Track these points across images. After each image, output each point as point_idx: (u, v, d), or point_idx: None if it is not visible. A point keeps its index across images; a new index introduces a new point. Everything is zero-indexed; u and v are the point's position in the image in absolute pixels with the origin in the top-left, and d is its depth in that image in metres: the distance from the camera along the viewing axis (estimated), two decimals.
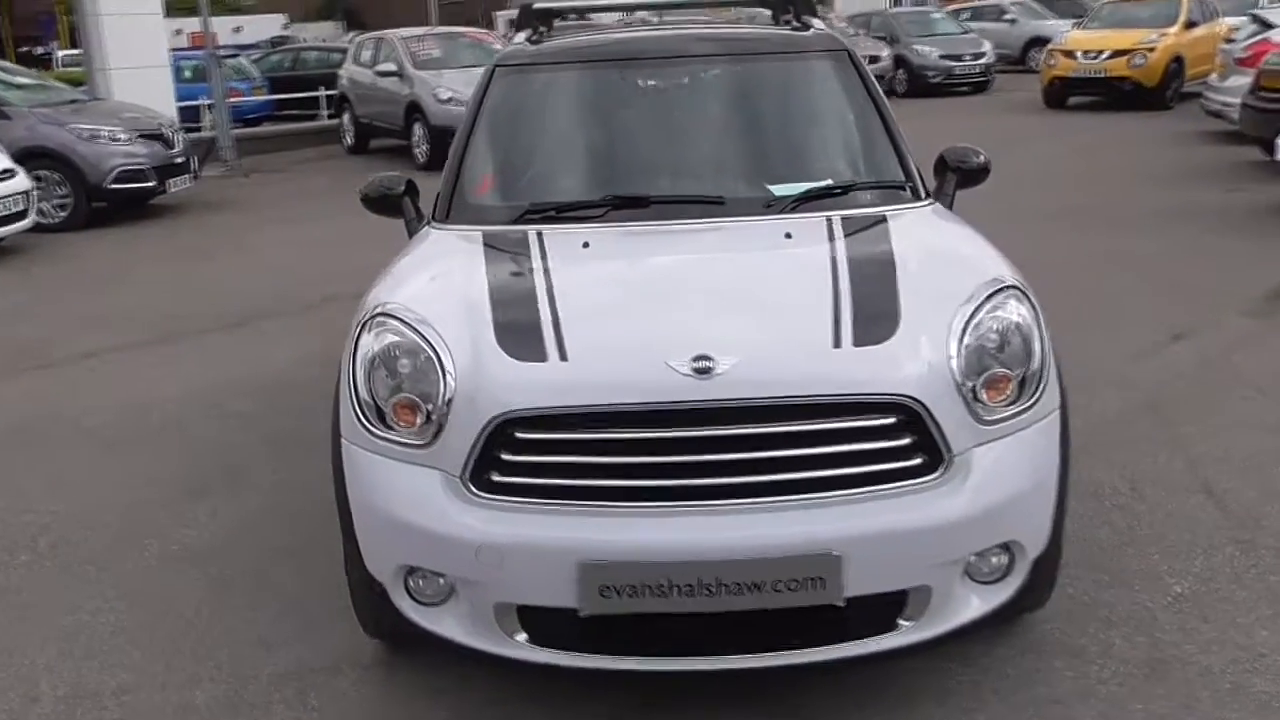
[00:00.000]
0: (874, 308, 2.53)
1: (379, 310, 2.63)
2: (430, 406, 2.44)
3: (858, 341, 2.42)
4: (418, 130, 13.04)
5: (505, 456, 2.36)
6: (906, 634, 2.42)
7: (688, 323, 2.50)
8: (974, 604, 2.47)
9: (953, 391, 2.39)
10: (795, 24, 3.84)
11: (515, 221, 3.12)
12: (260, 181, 12.93)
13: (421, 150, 12.93)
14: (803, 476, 2.31)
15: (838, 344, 2.42)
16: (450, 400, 2.40)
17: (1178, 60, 15.26)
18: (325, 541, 2.98)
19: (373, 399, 2.53)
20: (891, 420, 2.35)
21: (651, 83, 3.56)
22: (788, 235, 2.94)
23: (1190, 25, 15.68)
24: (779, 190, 3.17)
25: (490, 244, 2.99)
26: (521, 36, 3.99)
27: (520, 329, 2.50)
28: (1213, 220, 7.95)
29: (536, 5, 4.03)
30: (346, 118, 15.22)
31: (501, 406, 2.35)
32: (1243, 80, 9.86)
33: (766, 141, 3.42)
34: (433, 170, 9.19)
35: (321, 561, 3.22)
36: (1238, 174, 9.59)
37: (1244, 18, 13.27)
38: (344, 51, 17.88)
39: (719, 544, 2.27)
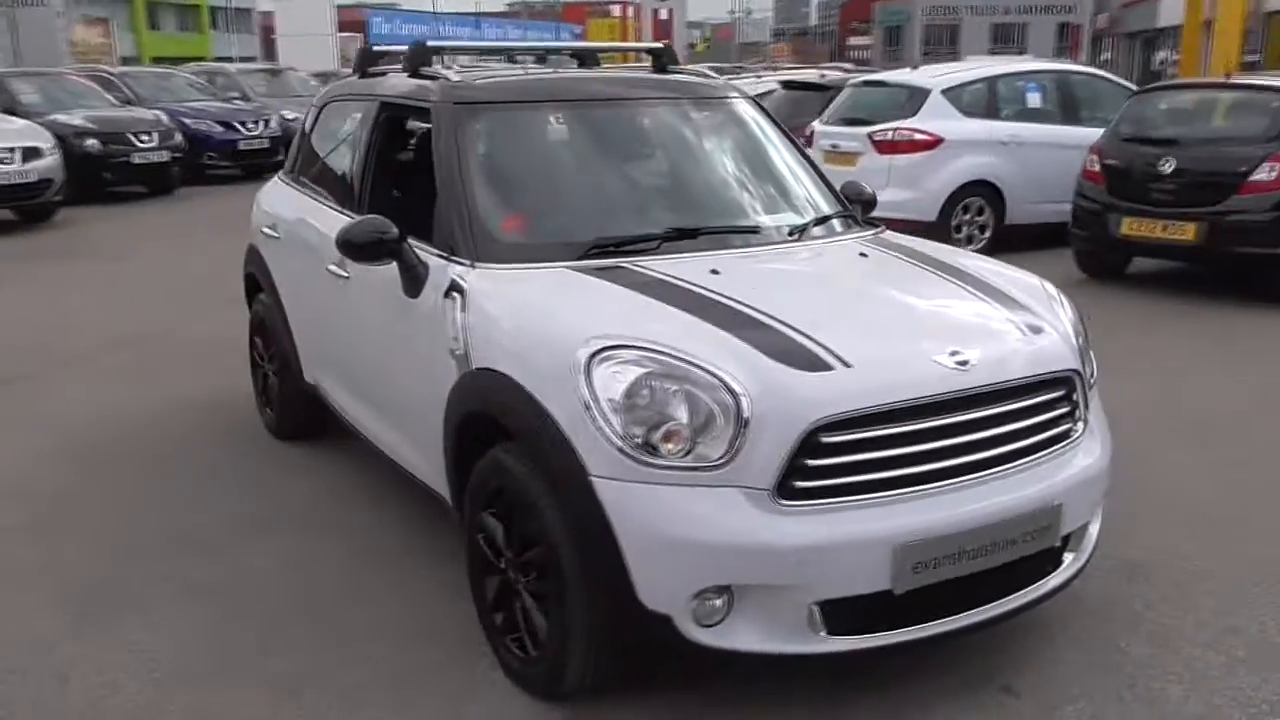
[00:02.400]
0: (1011, 304, 3.04)
1: (608, 345, 2.60)
2: (716, 428, 2.49)
3: (1033, 330, 2.93)
4: None
5: (810, 463, 2.51)
6: (1069, 566, 2.94)
7: (913, 326, 2.83)
8: (1093, 535, 3.08)
9: (1080, 366, 2.98)
10: (678, 74, 4.22)
11: (584, 257, 3.15)
12: None
13: None
14: (1028, 443, 2.76)
15: (1023, 334, 2.90)
16: (748, 419, 2.48)
17: None
18: None
19: (634, 432, 2.51)
20: (1063, 391, 2.88)
21: (624, 124, 3.75)
22: (863, 255, 3.36)
23: None
24: (786, 220, 3.56)
25: (607, 278, 3.01)
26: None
27: (777, 344, 2.63)
28: None
29: (404, 50, 4.00)
30: None
31: (814, 416, 2.49)
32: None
33: (746, 177, 3.76)
34: None
35: None
36: None
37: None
38: None
39: (995, 509, 2.64)
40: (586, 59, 4.73)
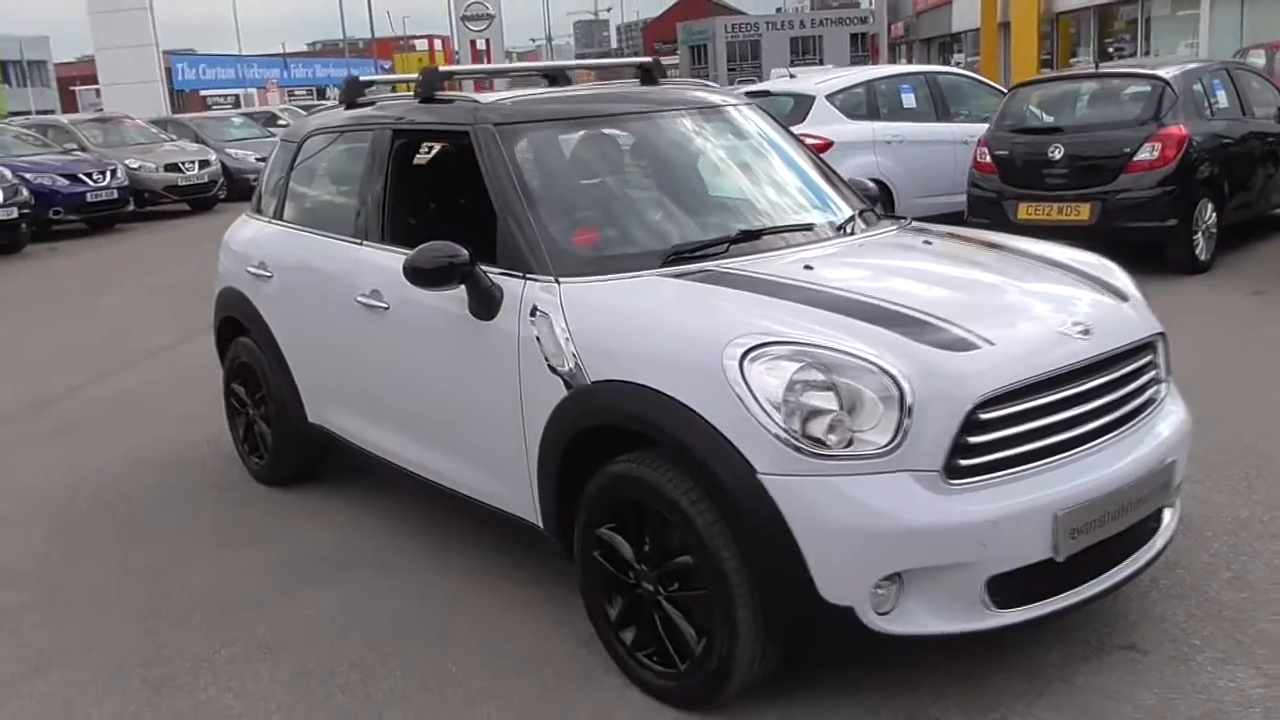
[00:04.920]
0: (1087, 277, 3.20)
1: (759, 342, 2.59)
2: (880, 415, 2.52)
3: (1120, 297, 3.10)
4: None
5: (971, 440, 2.56)
6: (1171, 523, 3.08)
7: (1024, 302, 2.94)
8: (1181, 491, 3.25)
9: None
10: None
11: (666, 264, 3.15)
12: None
13: None
14: (1137, 404, 2.91)
15: (1116, 301, 3.07)
16: (911, 404, 2.52)
17: None
18: None
19: (799, 426, 2.52)
20: (1153, 354, 3.04)
21: (659, 135, 3.77)
22: (927, 242, 3.45)
23: None
24: (828, 217, 3.63)
25: (708, 280, 3.01)
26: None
27: (919, 329, 2.69)
28: None
29: (391, 79, 3.90)
30: None
31: (976, 394, 2.55)
32: None
33: (780, 178, 3.82)
34: None
35: None
36: None
37: None
38: None
39: (1131, 469, 2.77)
40: (557, 78, 4.74)
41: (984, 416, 2.58)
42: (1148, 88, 8.12)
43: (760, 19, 74.82)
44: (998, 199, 8.41)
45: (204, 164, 17.15)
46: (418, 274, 3.21)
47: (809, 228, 3.52)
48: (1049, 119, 8.59)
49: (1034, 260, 3.31)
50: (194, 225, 15.69)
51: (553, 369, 3.00)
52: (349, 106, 4.27)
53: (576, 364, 2.93)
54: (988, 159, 8.55)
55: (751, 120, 4.01)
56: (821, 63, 55.42)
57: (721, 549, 2.61)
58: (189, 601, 3.69)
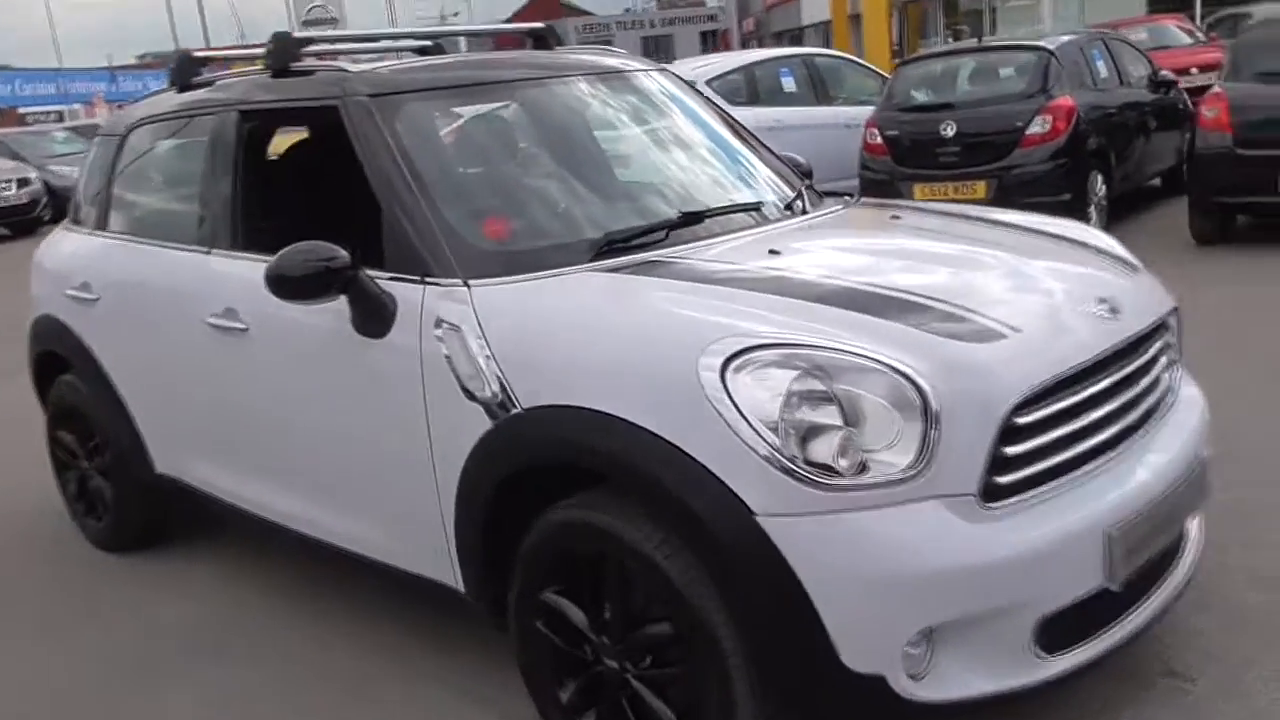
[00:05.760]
0: (1086, 247, 2.78)
1: (741, 347, 2.03)
2: (899, 428, 1.99)
3: (1131, 268, 2.67)
4: None
5: (1008, 451, 2.06)
6: (1198, 526, 2.64)
7: (1036, 281, 2.45)
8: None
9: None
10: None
11: (599, 256, 2.57)
12: None
13: None
14: (1164, 389, 2.47)
15: (1130, 273, 2.63)
16: (937, 412, 2.00)
17: None
18: None
19: (800, 451, 1.97)
20: (1169, 332, 2.61)
21: (567, 105, 3.16)
22: (895, 216, 2.95)
23: None
24: (769, 195, 3.10)
25: (659, 274, 2.45)
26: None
27: (929, 318, 2.18)
28: None
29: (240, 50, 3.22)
30: None
31: (1013, 394, 2.06)
32: None
33: (712, 153, 3.27)
34: None
35: None
36: None
37: None
38: None
39: (1170, 469, 2.33)
40: (438, 48, 4.07)
41: (1021, 421, 2.08)
42: (1033, 58, 7.91)
43: (610, 19, 74.42)
44: (891, 180, 8.07)
45: (23, 183, 15.71)
46: (284, 284, 2.55)
47: (756, 207, 2.97)
48: (938, 96, 8.30)
49: (1022, 231, 2.86)
50: (14, 250, 14.27)
51: (470, 395, 2.38)
52: (182, 89, 3.54)
53: (501, 387, 2.32)
54: (878, 140, 8.21)
55: (668, 88, 3.44)
56: (671, 60, 55.40)
57: (711, 613, 2.05)
58: (4, 709, 2.93)
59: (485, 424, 2.36)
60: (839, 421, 1.99)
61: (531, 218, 2.81)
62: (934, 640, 2.03)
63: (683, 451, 2.03)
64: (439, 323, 2.46)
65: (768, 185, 3.16)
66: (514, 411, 2.30)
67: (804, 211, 3.01)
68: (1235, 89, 7.06)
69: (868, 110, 8.67)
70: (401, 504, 2.66)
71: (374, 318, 2.57)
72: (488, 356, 2.35)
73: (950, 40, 27.35)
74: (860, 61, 10.99)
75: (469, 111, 3.08)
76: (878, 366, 2.02)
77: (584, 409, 2.17)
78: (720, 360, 2.03)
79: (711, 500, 2.00)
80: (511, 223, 2.76)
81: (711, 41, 67.61)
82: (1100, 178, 7.85)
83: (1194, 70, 12.24)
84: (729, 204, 2.93)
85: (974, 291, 2.34)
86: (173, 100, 3.56)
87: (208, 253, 3.18)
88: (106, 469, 3.79)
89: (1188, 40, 14.69)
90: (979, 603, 2.02)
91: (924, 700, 2.02)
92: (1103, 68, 8.33)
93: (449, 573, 2.60)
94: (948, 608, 2.00)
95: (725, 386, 2.00)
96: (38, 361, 4.01)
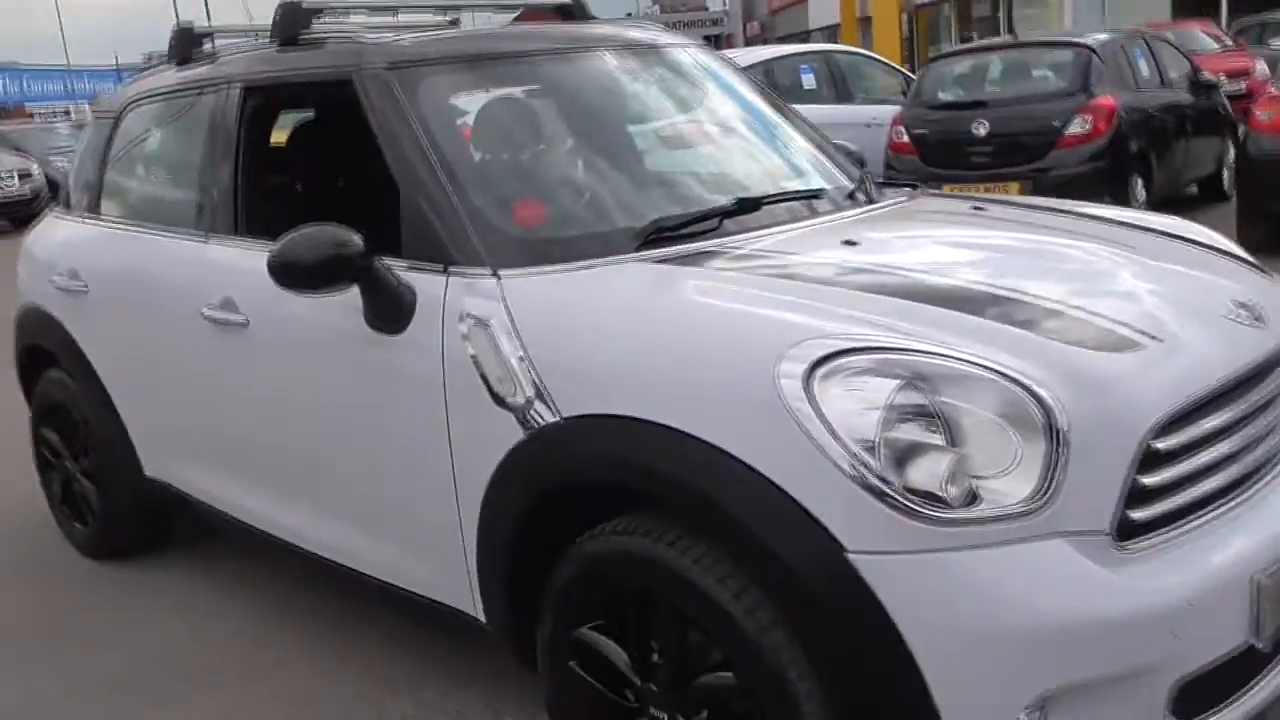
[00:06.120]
0: (1206, 242, 2.51)
1: (830, 351, 1.73)
2: (1018, 452, 1.68)
3: (1254, 268, 2.38)
4: None
5: (1145, 481, 1.75)
6: None
7: (1166, 283, 2.15)
8: None
9: None
10: None
11: (646, 245, 2.26)
12: None
13: None
14: None
15: (1256, 274, 2.34)
16: (1065, 434, 1.69)
17: None
18: None
19: (900, 477, 1.66)
20: None
21: (606, 80, 2.86)
22: (977, 208, 2.65)
23: None
24: (826, 182, 2.79)
25: (719, 266, 2.15)
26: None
27: (1053, 323, 1.88)
28: None
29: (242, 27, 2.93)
30: None
31: (1155, 414, 1.75)
32: None
33: (763, 134, 2.95)
34: None
35: None
36: None
37: None
38: None
39: None
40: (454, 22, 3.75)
41: (1161, 446, 1.77)
42: (1071, 56, 7.60)
43: (611, 22, 74.01)
44: (917, 181, 7.76)
45: (24, 176, 15.43)
46: (291, 272, 2.24)
47: (817, 195, 2.67)
48: (970, 94, 8.00)
49: (1128, 228, 2.54)
50: (15, 244, 13.98)
51: (499, 400, 2.08)
52: (181, 63, 3.24)
53: (537, 392, 2.01)
54: (905, 139, 7.91)
55: (709, 64, 3.13)
56: None
57: (787, 665, 1.74)
58: None
59: (517, 434, 2.05)
60: (945, 441, 1.68)
61: (567, 202, 2.51)
62: (1048, 710, 1.72)
63: (757, 473, 1.72)
64: (464, 317, 2.15)
65: (825, 172, 2.85)
66: (552, 422, 1.99)
67: (870, 200, 2.70)
68: None
69: (890, 108, 8.38)
70: (416, 521, 2.37)
71: (390, 311, 2.27)
72: (521, 358, 2.04)
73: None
74: (881, 59, 10.68)
75: (497, 87, 2.77)
76: (993, 376, 1.71)
77: (635, 420, 1.86)
78: (804, 367, 1.72)
79: (791, 533, 1.70)
80: (545, 207, 2.46)
81: (717, 45, 67.49)
82: (1140, 181, 7.53)
83: (1222, 76, 11.94)
84: (788, 191, 2.62)
85: (1097, 293, 2.03)
86: (171, 77, 3.25)
87: (205, 240, 2.88)
88: (92, 471, 3.49)
89: (1215, 46, 14.36)
90: (1113, 664, 1.69)
91: None
92: (1144, 67, 8.02)
93: (468, 599, 2.30)
94: (1075, 668, 1.68)
95: (811, 398, 1.69)
96: (23, 355, 3.71)
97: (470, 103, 2.67)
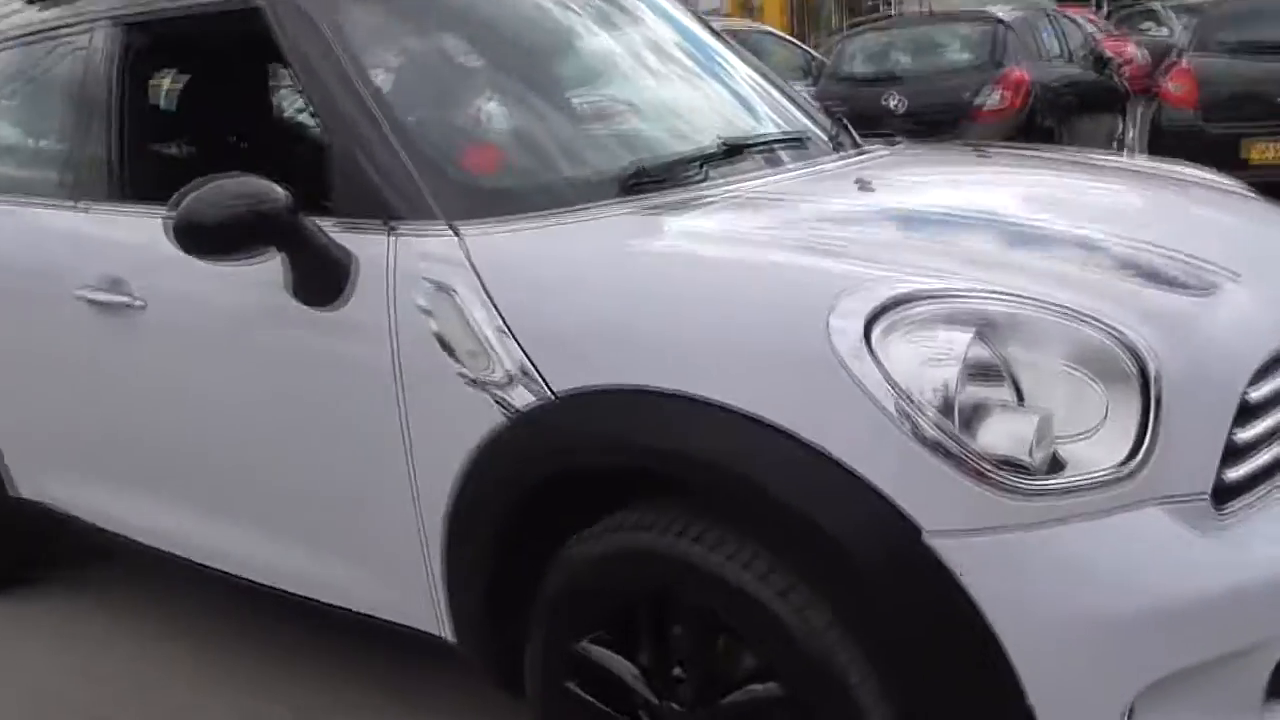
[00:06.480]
0: (1223, 186, 2.28)
1: (890, 298, 1.44)
2: (1108, 410, 1.42)
3: None
4: None
5: (1239, 436, 1.51)
6: None
7: (1219, 216, 1.92)
8: None
9: None
10: None
11: (626, 192, 1.94)
12: None
13: None
14: None
15: None
16: (1160, 388, 1.43)
17: None
18: None
19: (975, 441, 1.39)
20: None
21: (556, 10, 2.53)
22: (981, 153, 2.42)
23: None
24: (803, 128, 2.52)
25: (719, 210, 1.86)
26: None
27: (1116, 259, 1.63)
28: None
29: None
30: None
31: (1254, 359, 1.52)
32: None
33: (731, 76, 2.66)
34: None
35: None
36: None
37: None
38: None
39: None
40: None
41: (1254, 395, 1.53)
42: (982, 29, 7.55)
43: None
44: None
45: None
46: (198, 235, 1.86)
47: (801, 140, 2.39)
48: (884, 67, 7.89)
49: (1134, 170, 2.33)
50: None
51: (471, 380, 1.73)
52: (41, 2, 2.77)
53: (521, 368, 1.67)
54: None
55: (665, 7, 2.82)
56: None
57: (849, 671, 1.45)
58: None
59: (495, 418, 1.71)
60: (1026, 399, 1.41)
61: (528, 144, 2.17)
62: (1136, 707, 1.46)
63: (808, 445, 1.42)
64: (418, 282, 1.80)
65: (811, 117, 2.59)
66: (543, 400, 1.65)
67: (856, 147, 2.44)
68: (1202, 62, 6.75)
69: (795, 86, 8.23)
70: (364, 533, 2.01)
71: (321, 279, 1.90)
72: (500, 328, 1.70)
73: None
74: (785, 36, 10.56)
75: (441, 13, 2.41)
76: (1077, 323, 1.44)
77: (650, 391, 1.54)
78: (860, 319, 1.43)
79: (853, 515, 1.40)
80: (499, 150, 2.11)
81: None
82: None
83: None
84: (774, 134, 2.34)
85: (1158, 230, 1.79)
86: (26, 17, 2.78)
87: (77, 208, 2.45)
88: None
89: (1096, 31, 14.71)
90: (1222, 644, 1.45)
91: None
92: (1049, 41, 8.03)
93: (431, 619, 1.94)
94: (1178, 654, 1.43)
95: (872, 353, 1.40)
96: None
97: (410, 31, 2.30)
